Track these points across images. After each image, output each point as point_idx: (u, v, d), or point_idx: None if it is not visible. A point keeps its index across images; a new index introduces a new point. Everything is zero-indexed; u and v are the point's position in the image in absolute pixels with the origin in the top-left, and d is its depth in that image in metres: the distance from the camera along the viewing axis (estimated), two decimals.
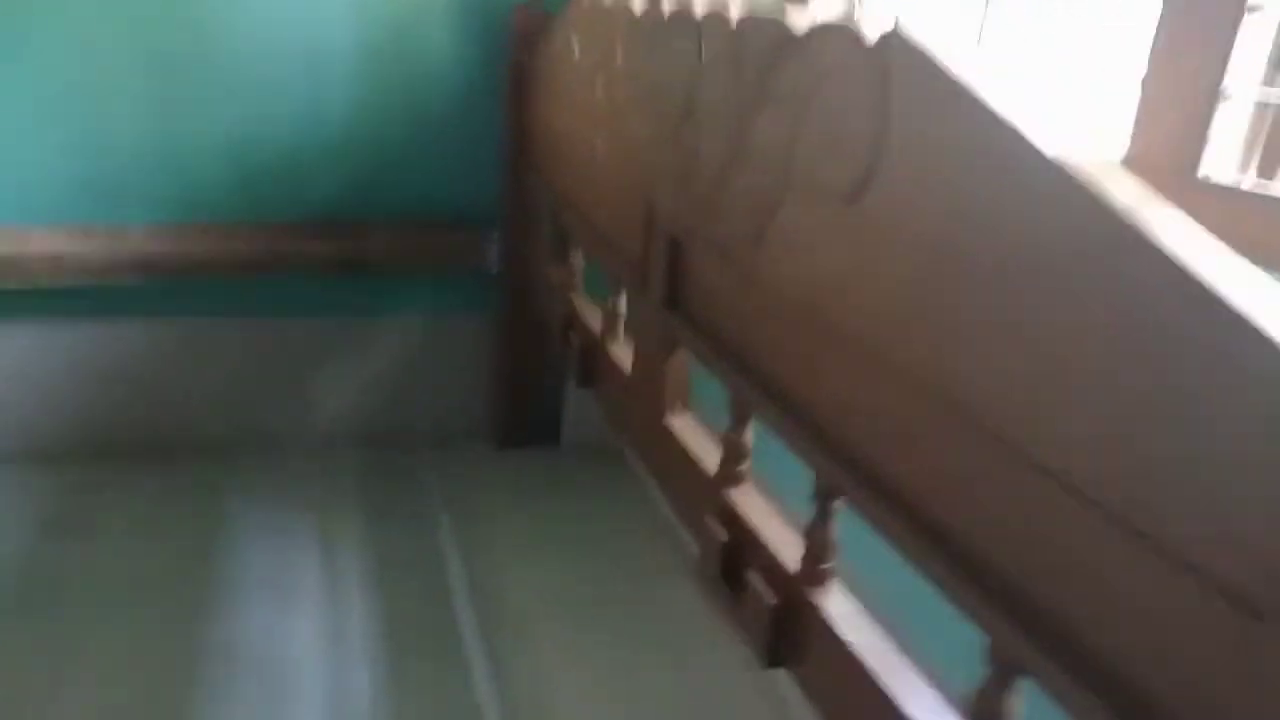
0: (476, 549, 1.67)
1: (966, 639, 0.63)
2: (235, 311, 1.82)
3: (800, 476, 0.83)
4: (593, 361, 1.38)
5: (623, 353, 1.28)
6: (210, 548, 1.59)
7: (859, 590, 0.81)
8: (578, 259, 1.50)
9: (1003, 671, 0.61)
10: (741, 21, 0.88)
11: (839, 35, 0.74)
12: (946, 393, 0.64)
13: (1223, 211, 0.81)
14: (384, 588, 1.54)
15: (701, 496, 1.00)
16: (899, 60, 0.67)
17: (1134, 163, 0.89)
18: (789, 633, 0.83)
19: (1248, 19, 0.79)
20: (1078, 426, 0.54)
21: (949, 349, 0.64)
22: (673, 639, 1.50)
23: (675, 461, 1.08)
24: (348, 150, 1.75)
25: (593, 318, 1.40)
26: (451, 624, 1.47)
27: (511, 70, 1.71)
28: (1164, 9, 0.86)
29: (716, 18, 0.92)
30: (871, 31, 0.70)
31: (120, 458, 1.81)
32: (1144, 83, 0.88)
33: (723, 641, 1.45)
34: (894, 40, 0.68)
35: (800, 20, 0.80)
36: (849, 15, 0.74)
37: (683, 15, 1.00)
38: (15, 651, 1.33)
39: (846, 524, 0.79)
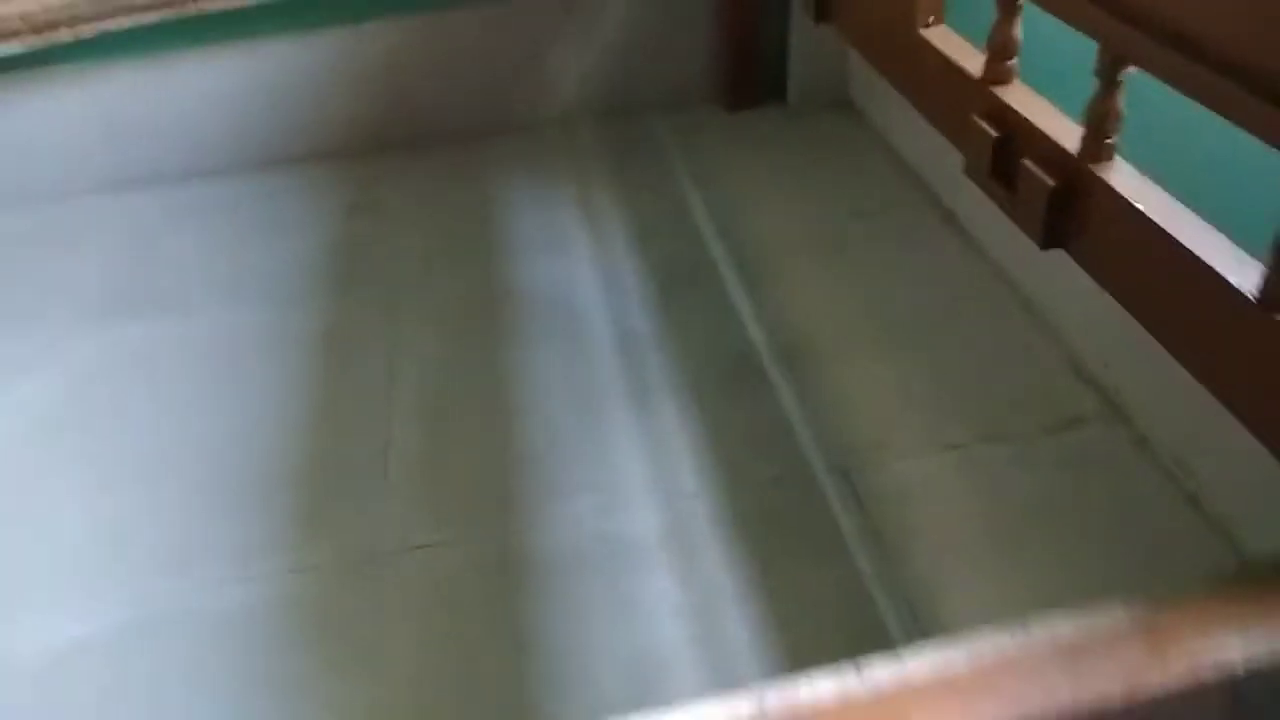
0: (719, 201, 1.77)
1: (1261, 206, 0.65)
2: (466, 3, 1.90)
3: (1071, 78, 0.82)
4: None
5: None
6: (485, 215, 1.79)
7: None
8: None
9: None
10: None
11: None
12: None
13: None
14: (643, 239, 1.69)
15: (966, 101, 1.02)
16: None
17: None
18: (1070, 210, 0.87)
19: None
20: None
21: None
22: (913, 257, 1.57)
23: (933, 73, 1.09)
24: None
25: None
26: (708, 260, 1.62)
27: None
28: None
29: None
30: None
31: (392, 149, 2.01)
32: None
33: (964, 252, 1.52)
34: None
35: None
36: None
37: None
38: (352, 309, 1.59)
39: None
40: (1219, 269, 0.70)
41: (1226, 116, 0.68)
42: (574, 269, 1.64)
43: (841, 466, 1.21)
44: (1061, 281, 1.25)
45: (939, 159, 1.61)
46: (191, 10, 1.74)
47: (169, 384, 1.47)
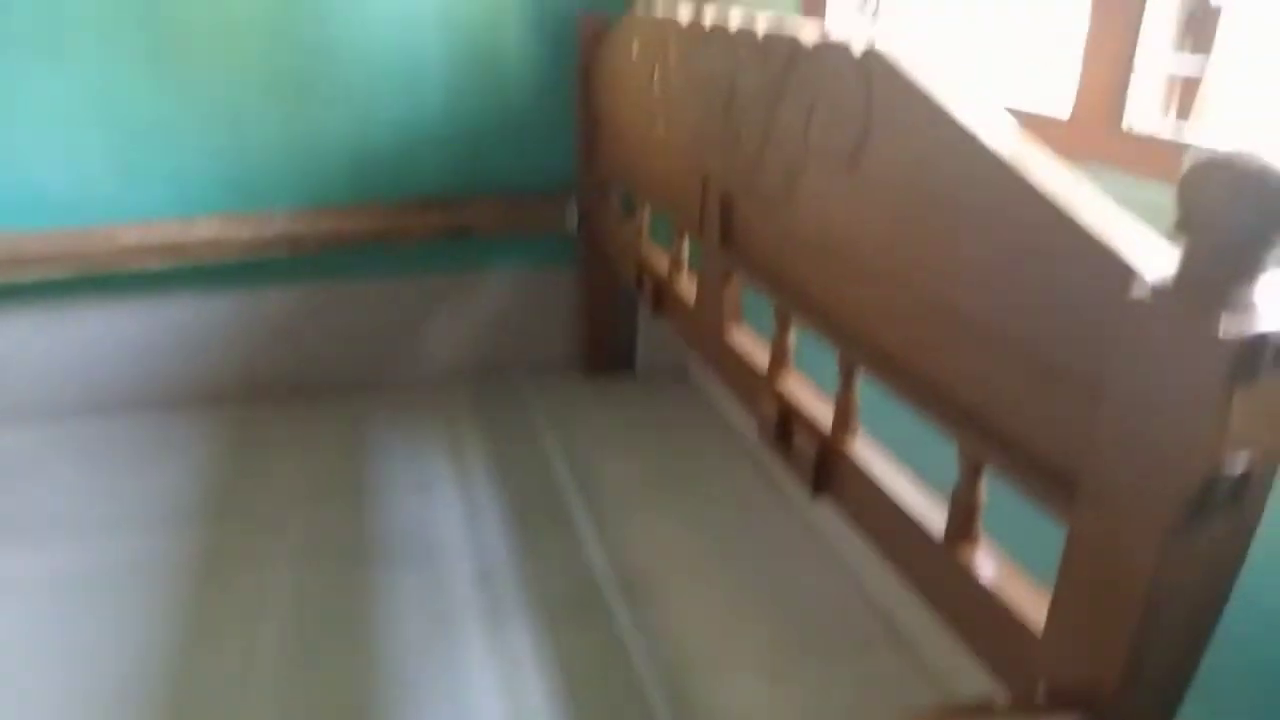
0: (575, 451, 2.05)
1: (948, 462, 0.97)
2: (362, 275, 2.21)
3: (828, 368, 1.17)
4: (663, 295, 1.73)
5: (687, 286, 1.62)
6: (360, 459, 2.00)
7: (874, 439, 1.16)
8: (644, 216, 1.84)
9: (969, 467, 0.95)
10: (766, 35, 1.21)
11: (836, 49, 1.06)
12: (921, 289, 0.98)
13: (1144, 154, 1.12)
14: (504, 481, 1.93)
15: (758, 386, 1.35)
16: (877, 69, 0.99)
17: (1076, 117, 1.20)
18: (828, 469, 1.19)
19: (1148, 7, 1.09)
20: (997, 299, 0.87)
21: (924, 262, 0.97)
22: (731, 497, 1.88)
23: (736, 365, 1.44)
24: (446, 139, 2.11)
25: (660, 261, 1.75)
26: (562, 504, 1.86)
27: (580, 66, 2.05)
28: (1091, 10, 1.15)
29: (747, 31, 1.25)
30: (858, 47, 1.02)
31: (275, 399, 2.22)
32: (1083, 54, 1.19)
33: (771, 496, 1.83)
34: (873, 55, 1.00)
35: (808, 36, 1.12)
36: (845, 33, 1.06)
37: (721, 27, 1.32)
38: (228, 539, 1.73)
39: (865, 394, 1.14)
40: (917, 517, 1.01)
41: (915, 411, 1.02)
42: (439, 507, 1.85)
43: (672, 685, 1.41)
44: (842, 522, 1.56)
45: (750, 424, 1.96)
46: (101, 270, 1.96)
47: (51, 605, 1.54)
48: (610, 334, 2.36)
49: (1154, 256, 0.70)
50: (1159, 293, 0.66)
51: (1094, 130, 1.17)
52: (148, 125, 1.96)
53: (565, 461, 2.01)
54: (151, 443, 2.05)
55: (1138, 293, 0.67)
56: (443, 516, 1.82)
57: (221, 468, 1.96)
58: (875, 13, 1.60)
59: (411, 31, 2.01)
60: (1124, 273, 0.70)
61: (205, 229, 2.00)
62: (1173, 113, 1.15)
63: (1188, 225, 0.64)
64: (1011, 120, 0.87)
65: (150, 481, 1.90)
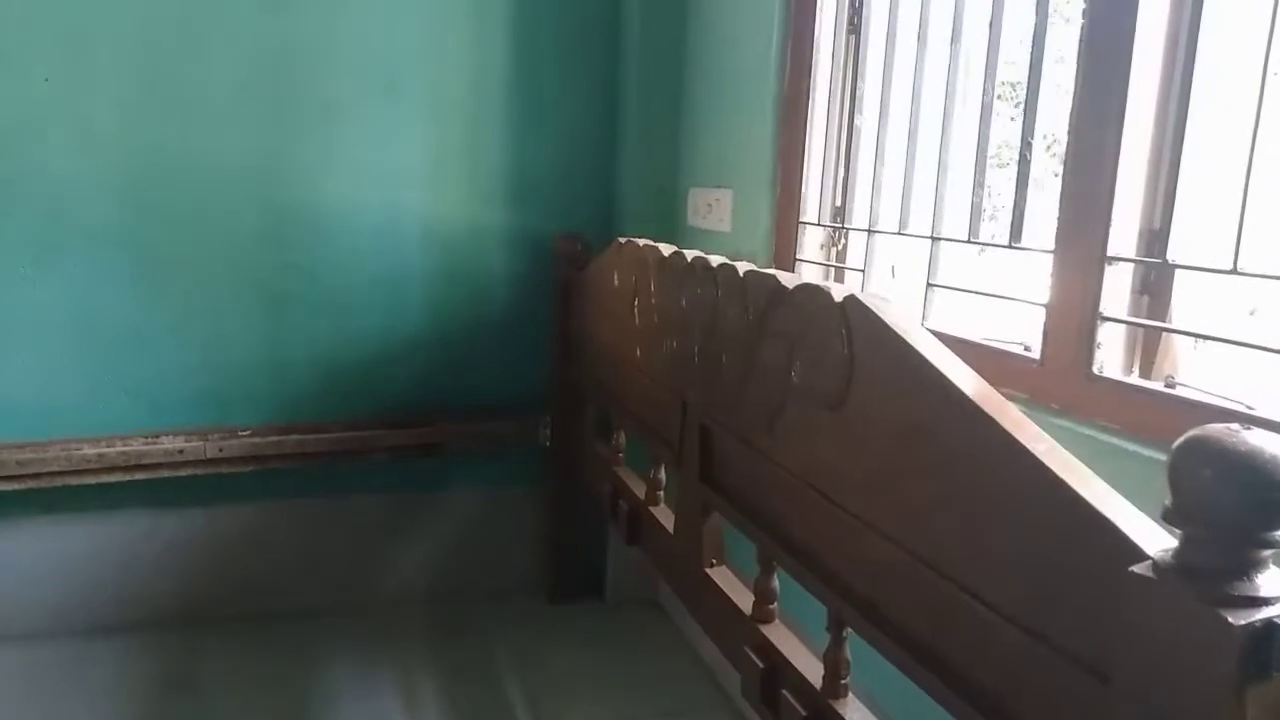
0: (536, 691, 1.89)
1: None
2: (324, 491, 2.12)
3: (817, 609, 1.09)
4: (638, 523, 1.65)
5: (664, 516, 1.55)
6: (305, 697, 1.83)
7: (870, 698, 1.06)
8: (620, 439, 1.80)
9: None
10: (747, 273, 1.21)
11: (816, 293, 1.06)
12: (907, 542, 0.92)
13: (1113, 399, 1.10)
14: None
15: (740, 633, 1.26)
16: (856, 314, 0.98)
17: (1046, 360, 1.20)
18: None
19: (1109, 268, 1.11)
20: (983, 558, 0.81)
21: (908, 513, 0.92)
22: None
23: (716, 605, 1.34)
24: (419, 354, 2.10)
25: (636, 487, 1.68)
26: None
27: (557, 285, 2.08)
28: (1054, 264, 1.18)
29: (728, 268, 1.26)
30: (838, 293, 1.02)
31: (223, 622, 2.07)
32: (1048, 300, 1.20)
33: None
34: (852, 301, 0.99)
35: (788, 279, 1.13)
36: (823, 279, 1.06)
37: (703, 263, 1.33)
38: None
39: (857, 644, 1.05)
40: None
41: (901, 670, 0.93)
42: None
43: None
44: None
45: (728, 665, 1.83)
46: (54, 484, 1.87)
47: None
48: (578, 558, 2.25)
49: (1152, 534, 0.66)
50: (1161, 570, 0.61)
51: (1064, 375, 1.16)
52: (124, 338, 1.93)
53: (528, 710, 1.84)
54: (83, 672, 1.88)
55: (1140, 570, 0.62)
56: None
57: (150, 708, 1.79)
58: (894, 274, 1.63)
59: (394, 248, 2.05)
60: (1126, 548, 0.65)
61: (169, 443, 1.94)
62: (1138, 359, 1.14)
63: (1181, 514, 0.60)
64: (982, 382, 0.85)
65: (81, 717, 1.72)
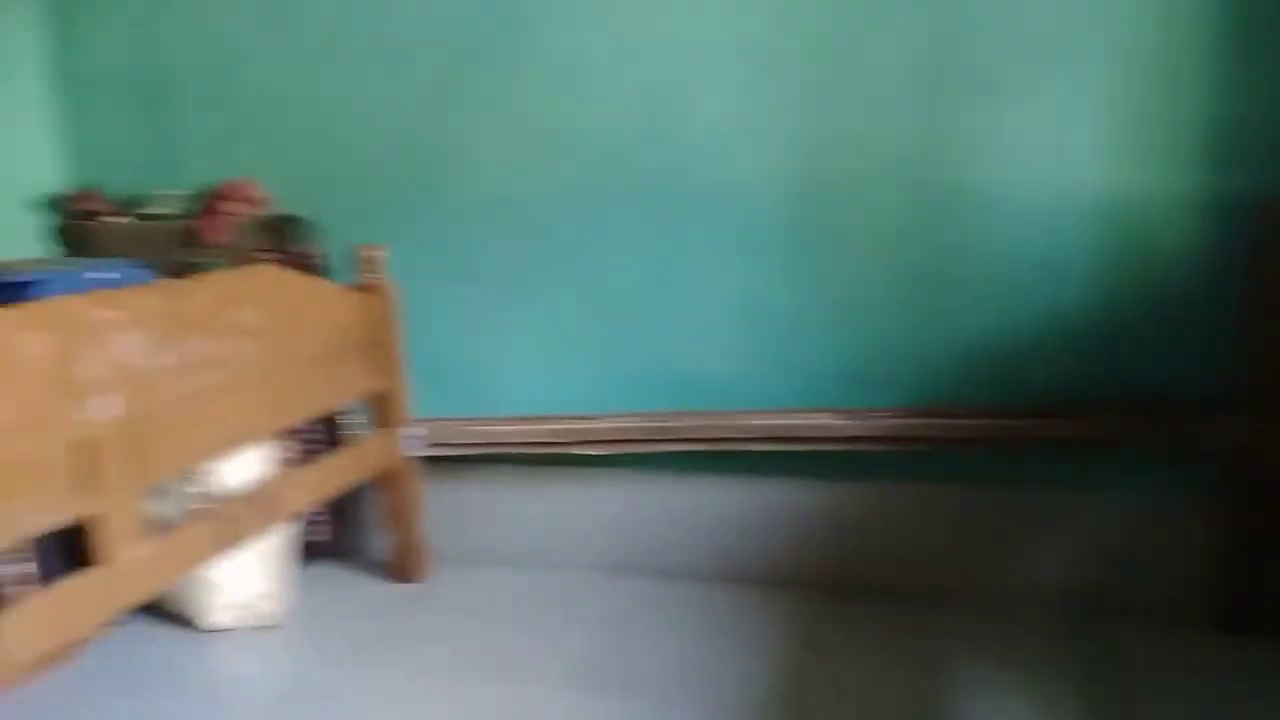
0: None
1: None
2: (953, 478, 2.10)
3: None
4: None
5: None
6: (933, 679, 1.84)
7: None
8: None
9: None
10: None
11: None
12: None
13: None
14: None
15: None
16: None
17: None
18: None
19: None
20: None
21: None
22: None
23: None
24: (1078, 339, 1.96)
25: None
26: None
27: (1255, 255, 1.76)
28: None
29: None
30: None
31: (838, 592, 2.19)
32: None
33: None
34: None
35: None
36: None
37: None
38: None
39: None
40: None
41: None
42: None
43: None
44: None
45: None
46: (724, 448, 2.10)
47: None
48: (1264, 585, 1.89)
49: None
50: None
51: None
52: (778, 321, 2.12)
53: None
54: (718, 615, 2.13)
55: None
56: None
57: (782, 659, 1.95)
58: None
59: (1056, 226, 1.92)
60: None
61: (820, 420, 2.08)
62: None
63: None
64: None
65: (717, 657, 1.96)
